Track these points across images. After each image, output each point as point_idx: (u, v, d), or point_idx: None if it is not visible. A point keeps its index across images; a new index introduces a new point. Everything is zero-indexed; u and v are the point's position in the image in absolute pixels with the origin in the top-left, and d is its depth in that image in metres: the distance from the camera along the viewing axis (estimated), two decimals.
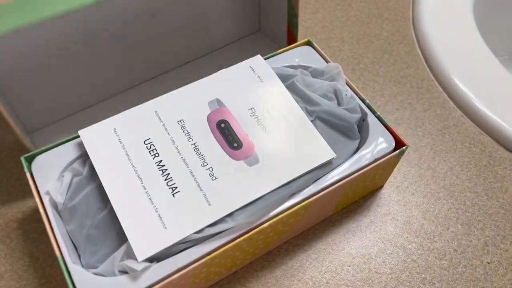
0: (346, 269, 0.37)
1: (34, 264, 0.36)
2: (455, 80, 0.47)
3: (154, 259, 0.30)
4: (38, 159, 0.34)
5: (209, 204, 0.31)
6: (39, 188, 0.33)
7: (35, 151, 0.34)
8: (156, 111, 0.34)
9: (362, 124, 0.38)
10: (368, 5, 0.55)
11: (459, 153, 0.43)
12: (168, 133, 0.33)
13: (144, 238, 0.30)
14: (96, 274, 0.30)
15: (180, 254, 0.30)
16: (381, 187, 0.41)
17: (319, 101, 0.37)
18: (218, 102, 0.35)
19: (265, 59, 0.40)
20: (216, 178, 0.32)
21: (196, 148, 0.33)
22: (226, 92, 0.36)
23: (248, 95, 0.36)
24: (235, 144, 0.33)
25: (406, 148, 0.35)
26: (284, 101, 0.36)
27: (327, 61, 0.40)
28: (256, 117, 0.34)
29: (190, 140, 0.33)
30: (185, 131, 0.33)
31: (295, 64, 0.40)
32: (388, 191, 0.41)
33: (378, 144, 0.36)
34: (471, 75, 0.47)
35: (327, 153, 0.34)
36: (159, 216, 0.30)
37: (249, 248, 0.33)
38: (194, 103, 0.35)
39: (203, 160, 0.32)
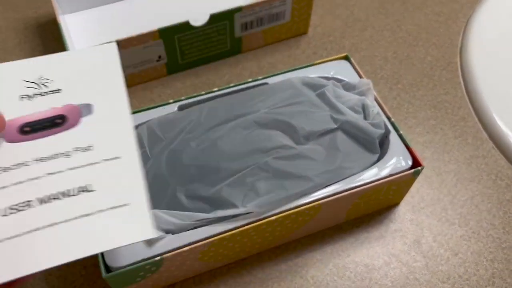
0: (347, 275, 0.38)
1: None
2: (492, 113, 0.47)
3: (169, 231, 0.33)
4: None
5: None
6: None
7: None
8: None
9: (384, 141, 0.39)
10: (417, 29, 0.56)
11: (483, 184, 0.43)
12: None
13: None
14: None
15: (193, 230, 0.33)
16: (397, 204, 0.42)
17: (345, 112, 0.39)
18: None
19: (301, 68, 0.42)
20: None
21: None
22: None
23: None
24: None
25: (422, 168, 0.37)
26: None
27: (360, 77, 0.42)
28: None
29: None
30: None
31: (329, 76, 0.42)
32: (403, 209, 0.42)
33: (396, 161, 0.37)
34: (510, 111, 0.47)
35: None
36: None
37: (257, 237, 0.36)
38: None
39: None
